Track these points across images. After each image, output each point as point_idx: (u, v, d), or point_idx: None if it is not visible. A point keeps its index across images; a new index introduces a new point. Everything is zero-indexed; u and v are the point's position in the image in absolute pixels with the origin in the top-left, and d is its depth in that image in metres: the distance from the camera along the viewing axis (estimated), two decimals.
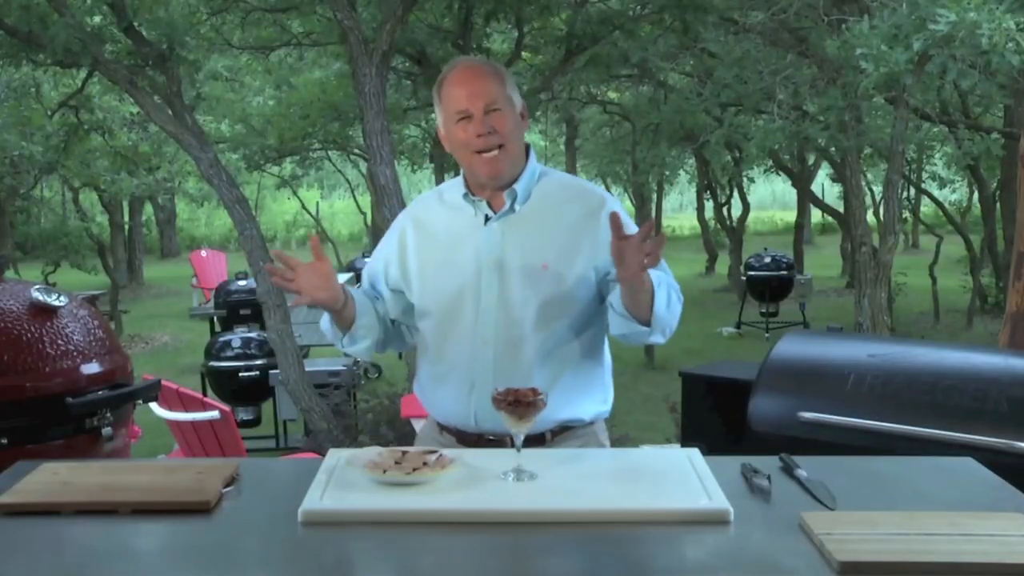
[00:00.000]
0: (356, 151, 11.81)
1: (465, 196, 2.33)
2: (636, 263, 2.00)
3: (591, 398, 2.36)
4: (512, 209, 2.30)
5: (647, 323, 2.16)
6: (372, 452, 2.03)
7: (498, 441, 2.26)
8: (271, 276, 2.15)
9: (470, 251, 2.30)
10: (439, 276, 2.33)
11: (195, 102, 10.42)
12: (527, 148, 2.35)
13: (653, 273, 2.13)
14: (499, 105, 2.24)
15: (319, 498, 1.86)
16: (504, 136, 2.23)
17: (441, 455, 2.01)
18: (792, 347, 3.33)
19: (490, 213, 2.31)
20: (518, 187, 2.29)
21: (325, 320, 2.38)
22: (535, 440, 2.25)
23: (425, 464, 1.96)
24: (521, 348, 2.26)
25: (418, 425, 5.01)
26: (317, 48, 9.99)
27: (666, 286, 2.18)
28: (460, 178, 2.37)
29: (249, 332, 7.06)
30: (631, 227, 2.28)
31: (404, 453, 2.01)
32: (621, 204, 2.39)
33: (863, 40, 5.31)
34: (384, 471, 1.93)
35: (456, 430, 2.35)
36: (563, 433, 2.32)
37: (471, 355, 2.28)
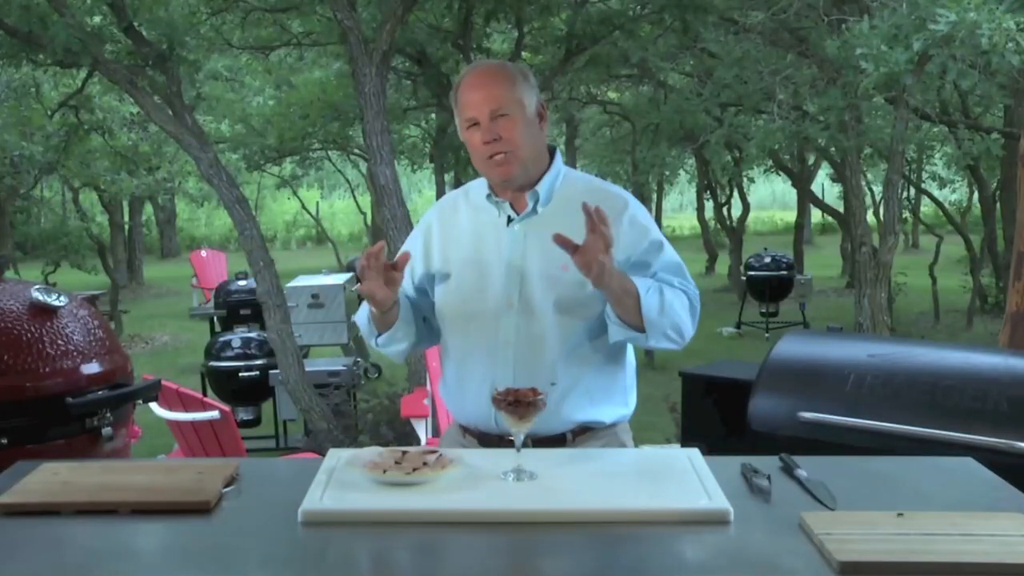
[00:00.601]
0: (356, 151, 11.80)
1: (488, 197, 2.32)
2: (592, 261, 2.00)
3: (612, 400, 2.35)
4: (534, 211, 2.29)
5: (641, 329, 2.15)
6: (372, 452, 2.03)
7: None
8: (370, 251, 2.13)
9: (492, 252, 2.29)
10: (462, 276, 2.32)
11: (195, 102, 10.40)
12: (552, 149, 2.34)
13: (640, 280, 2.14)
14: (506, 110, 2.22)
15: (319, 498, 1.86)
16: (511, 142, 2.22)
17: (441, 455, 2.01)
18: (792, 347, 3.33)
19: (513, 214, 2.30)
20: (540, 189, 2.28)
21: (363, 315, 2.37)
22: (555, 441, 2.25)
23: (425, 464, 1.96)
24: (542, 350, 2.25)
25: (418, 425, 5.04)
26: (317, 48, 9.99)
27: (657, 290, 2.17)
28: (485, 178, 2.37)
29: (249, 332, 7.06)
30: (651, 229, 2.28)
31: (404, 453, 2.01)
32: (643, 206, 2.37)
33: (863, 40, 5.31)
34: (384, 471, 1.93)
35: (478, 432, 2.33)
36: (584, 434, 2.31)
37: (492, 356, 2.27)
